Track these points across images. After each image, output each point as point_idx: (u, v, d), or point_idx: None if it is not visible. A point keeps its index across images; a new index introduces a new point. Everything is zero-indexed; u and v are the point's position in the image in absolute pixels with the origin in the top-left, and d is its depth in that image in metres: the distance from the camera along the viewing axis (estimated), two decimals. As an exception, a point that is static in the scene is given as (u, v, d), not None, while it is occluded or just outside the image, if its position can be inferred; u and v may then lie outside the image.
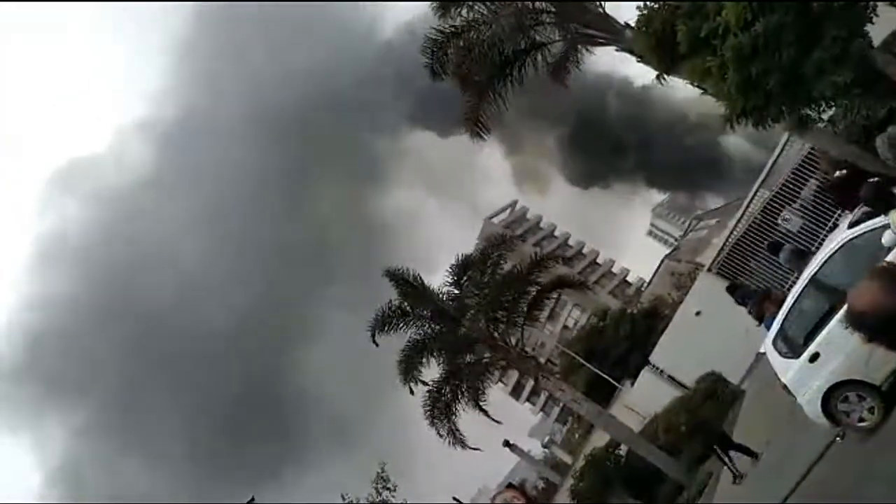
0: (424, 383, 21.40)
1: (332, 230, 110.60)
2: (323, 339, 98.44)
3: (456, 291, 22.35)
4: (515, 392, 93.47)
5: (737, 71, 11.25)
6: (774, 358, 10.06)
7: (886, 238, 8.24)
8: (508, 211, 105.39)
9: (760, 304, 14.51)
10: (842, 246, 9.56)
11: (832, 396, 9.35)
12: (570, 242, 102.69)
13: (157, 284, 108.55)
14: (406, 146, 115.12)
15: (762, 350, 10.45)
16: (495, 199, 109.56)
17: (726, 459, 16.58)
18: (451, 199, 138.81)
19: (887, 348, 2.78)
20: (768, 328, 10.80)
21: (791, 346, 9.81)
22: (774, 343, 10.03)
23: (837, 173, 13.38)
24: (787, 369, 9.81)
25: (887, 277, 2.76)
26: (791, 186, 21.95)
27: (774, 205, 22.42)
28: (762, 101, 11.46)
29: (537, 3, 16.50)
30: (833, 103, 13.32)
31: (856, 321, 2.78)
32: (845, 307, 2.85)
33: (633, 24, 14.42)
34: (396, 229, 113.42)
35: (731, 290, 16.61)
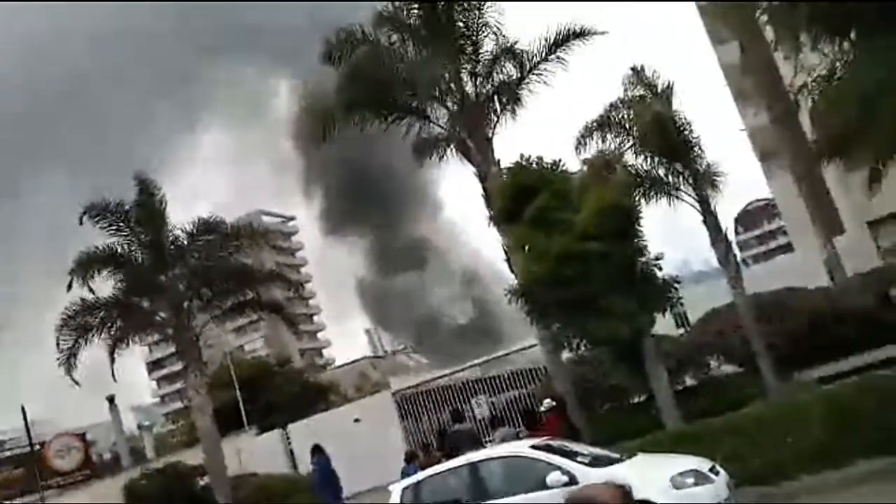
0: (91, 290, 19.50)
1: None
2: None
3: (185, 242, 20.84)
4: (156, 364, 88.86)
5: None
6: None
7: (551, 479, 8.50)
8: (281, 221, 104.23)
9: (413, 454, 14.78)
10: (511, 456, 9.77)
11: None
12: (308, 278, 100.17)
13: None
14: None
15: (389, 488, 10.30)
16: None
17: None
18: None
19: None
20: (408, 474, 10.79)
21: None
22: (403, 492, 9.96)
23: (546, 402, 14.03)
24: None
25: None
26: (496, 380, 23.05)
27: (475, 385, 23.36)
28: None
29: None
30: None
31: None
32: None
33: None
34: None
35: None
